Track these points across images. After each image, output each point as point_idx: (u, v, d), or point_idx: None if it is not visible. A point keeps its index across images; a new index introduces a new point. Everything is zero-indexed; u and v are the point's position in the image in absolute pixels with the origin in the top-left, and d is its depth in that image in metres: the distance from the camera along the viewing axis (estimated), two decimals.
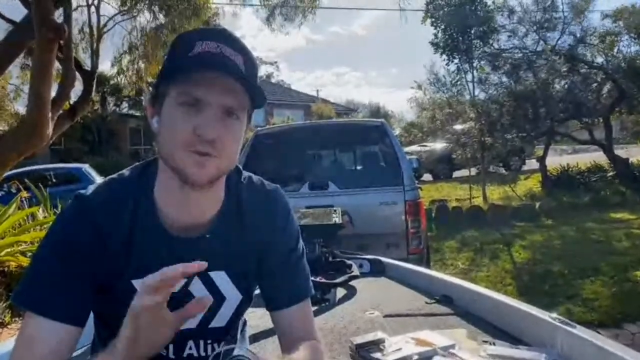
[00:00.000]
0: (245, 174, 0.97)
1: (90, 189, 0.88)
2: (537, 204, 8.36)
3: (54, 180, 8.99)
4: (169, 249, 0.86)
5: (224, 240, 0.90)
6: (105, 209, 0.84)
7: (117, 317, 0.91)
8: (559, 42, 10.26)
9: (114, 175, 0.91)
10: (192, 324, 0.91)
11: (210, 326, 0.94)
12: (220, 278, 0.92)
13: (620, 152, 10.88)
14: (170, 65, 0.83)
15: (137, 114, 19.54)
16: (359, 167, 5.26)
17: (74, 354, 0.83)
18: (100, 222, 0.83)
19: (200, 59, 0.79)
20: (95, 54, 5.52)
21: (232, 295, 0.94)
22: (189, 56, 0.79)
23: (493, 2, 10.36)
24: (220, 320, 0.94)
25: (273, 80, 30.22)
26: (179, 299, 0.89)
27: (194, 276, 0.90)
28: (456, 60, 10.30)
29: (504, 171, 11.61)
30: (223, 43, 0.81)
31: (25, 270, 0.94)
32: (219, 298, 0.92)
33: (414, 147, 14.89)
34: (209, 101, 0.79)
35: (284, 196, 0.99)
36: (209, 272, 0.91)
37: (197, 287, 0.91)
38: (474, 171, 10.70)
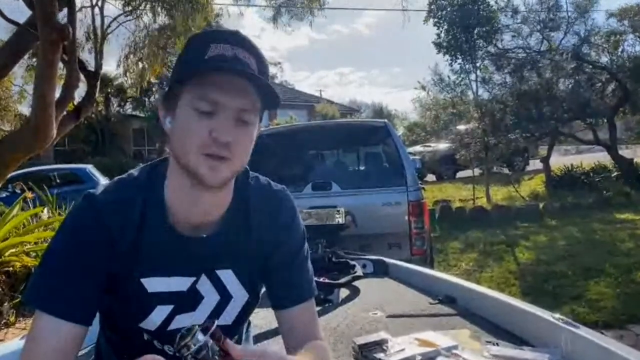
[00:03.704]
0: (252, 174, 0.98)
1: (100, 188, 0.89)
2: (541, 205, 8.33)
3: (57, 181, 9.03)
4: (177, 248, 0.88)
5: (231, 239, 0.91)
6: (114, 209, 0.85)
7: (124, 316, 0.91)
8: (563, 41, 10.23)
9: (123, 175, 0.92)
10: (198, 321, 0.92)
11: (216, 324, 0.95)
12: (227, 276, 0.93)
13: (624, 152, 10.83)
14: (185, 66, 0.84)
15: (141, 114, 19.58)
16: (362, 168, 5.26)
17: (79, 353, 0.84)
18: (109, 222, 0.84)
19: (215, 62, 0.80)
20: (99, 55, 5.53)
21: (239, 293, 0.95)
22: (205, 59, 0.80)
23: (496, 2, 10.35)
24: (226, 318, 0.95)
25: (277, 81, 30.19)
26: (187, 297, 0.90)
27: (201, 274, 0.91)
28: (459, 60, 10.28)
29: (507, 171, 11.56)
30: (237, 45, 0.82)
31: (35, 269, 0.96)
32: (225, 296, 0.93)
33: (418, 148, 14.82)
34: (225, 104, 0.79)
35: (290, 197, 1.00)
36: (215, 270, 0.92)
37: (204, 285, 0.91)
38: (477, 171, 10.67)
